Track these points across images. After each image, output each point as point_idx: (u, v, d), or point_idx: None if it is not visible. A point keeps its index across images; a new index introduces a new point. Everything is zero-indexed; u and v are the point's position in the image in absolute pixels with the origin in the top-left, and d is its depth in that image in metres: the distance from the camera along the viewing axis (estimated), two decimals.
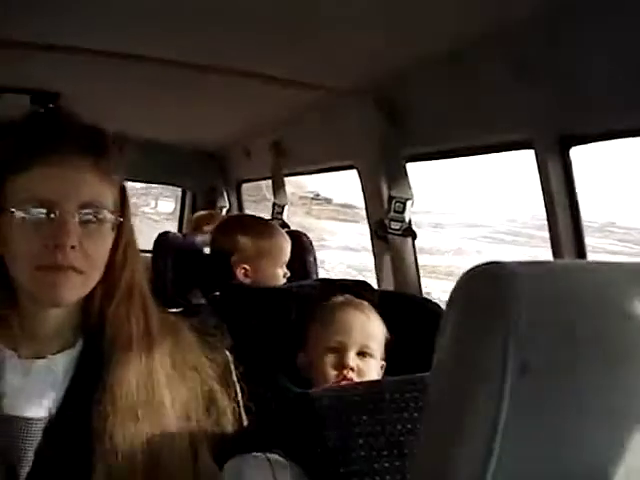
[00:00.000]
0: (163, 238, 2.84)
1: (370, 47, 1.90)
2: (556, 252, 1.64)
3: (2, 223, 1.12)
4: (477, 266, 0.68)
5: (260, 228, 2.52)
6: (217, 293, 2.45)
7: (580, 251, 1.64)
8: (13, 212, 1.09)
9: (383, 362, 1.70)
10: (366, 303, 1.73)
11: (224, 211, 4.18)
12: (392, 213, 2.15)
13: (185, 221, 4.52)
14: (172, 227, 4.58)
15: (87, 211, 1.12)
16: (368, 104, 2.15)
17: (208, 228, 3.48)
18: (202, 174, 4.27)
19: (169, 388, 1.20)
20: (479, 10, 1.56)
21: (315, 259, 2.81)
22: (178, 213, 4.69)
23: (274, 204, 3.33)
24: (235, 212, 4.21)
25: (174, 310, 2.20)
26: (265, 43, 2.01)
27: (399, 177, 2.16)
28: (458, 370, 0.67)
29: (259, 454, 1.10)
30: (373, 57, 1.97)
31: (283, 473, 1.07)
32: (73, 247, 1.09)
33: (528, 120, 1.63)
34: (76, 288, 1.13)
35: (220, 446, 1.25)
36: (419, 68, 1.88)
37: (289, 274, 2.44)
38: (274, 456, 1.09)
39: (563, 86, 1.54)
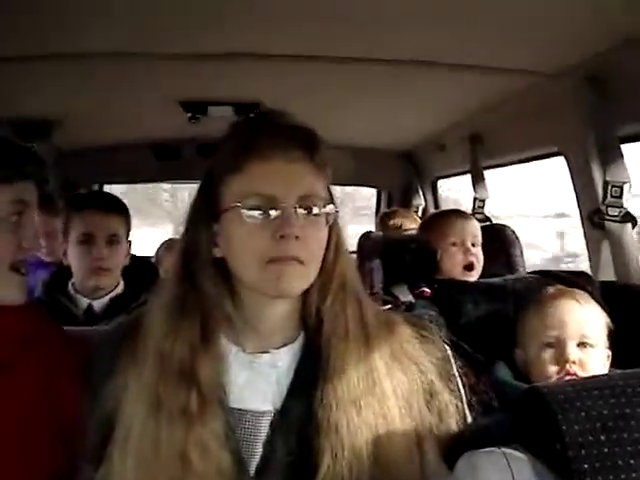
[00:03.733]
0: (366, 238, 2.87)
1: (577, 27, 1.80)
2: None
3: (226, 223, 1.17)
4: None
5: (443, 211, 2.73)
6: (423, 288, 2.45)
7: None
8: (238, 209, 1.14)
9: (608, 352, 1.61)
10: (579, 291, 1.65)
11: (420, 209, 4.15)
12: (609, 199, 2.03)
13: None
14: None
15: (305, 204, 1.15)
16: (577, 85, 2.04)
17: (394, 222, 3.51)
18: (396, 173, 4.27)
19: (389, 377, 1.20)
20: None
21: (522, 252, 2.72)
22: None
23: (475, 198, 3.28)
24: (431, 209, 4.17)
25: (384, 308, 2.23)
26: (464, 31, 1.96)
27: (614, 160, 2.03)
28: None
29: (494, 449, 1.06)
30: (580, 38, 1.87)
31: (522, 469, 1.02)
32: (297, 238, 1.13)
33: None
34: (300, 279, 1.16)
35: (446, 443, 1.23)
36: (631, 45, 1.75)
37: (476, 263, 2.48)
38: (510, 451, 1.05)
39: None
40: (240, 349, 1.20)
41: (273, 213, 1.14)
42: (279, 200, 1.14)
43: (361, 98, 2.96)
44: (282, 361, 1.21)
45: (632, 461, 1.02)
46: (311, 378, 1.18)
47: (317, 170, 1.19)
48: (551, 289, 1.66)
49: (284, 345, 1.22)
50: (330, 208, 1.19)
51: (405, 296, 2.42)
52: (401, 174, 4.25)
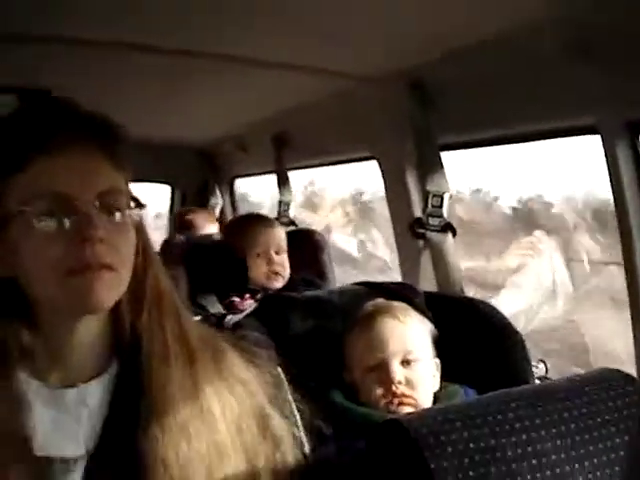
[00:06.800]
0: (168, 244, 2.68)
1: (403, 35, 1.75)
2: (626, 241, 1.53)
3: (11, 233, 0.96)
4: None
5: (246, 217, 2.64)
6: (234, 298, 2.33)
7: None
8: (26, 215, 0.94)
9: (437, 360, 1.57)
10: (399, 305, 1.59)
11: (217, 208, 4.01)
12: (430, 208, 2.01)
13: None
14: None
15: (107, 201, 0.97)
16: (398, 92, 1.99)
17: (189, 217, 3.37)
18: (192, 170, 4.08)
19: (217, 398, 1.06)
20: None
21: (330, 257, 2.68)
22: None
23: (280, 201, 3.19)
24: (228, 209, 4.05)
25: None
26: (273, 26, 1.84)
27: (435, 169, 2.01)
28: None
29: None
30: (406, 45, 1.82)
31: None
32: (101, 240, 0.95)
33: (592, 104, 1.51)
34: (111, 288, 0.98)
35: (283, 474, 1.12)
36: (463, 50, 1.73)
37: (281, 271, 2.43)
38: None
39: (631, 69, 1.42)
40: (42, 384, 1.00)
41: (69, 218, 0.95)
42: (75, 199, 0.95)
43: (156, 89, 2.75)
44: (92, 396, 1.02)
45: None
46: (130, 410, 1.01)
47: (117, 164, 1.01)
48: (369, 308, 1.59)
49: (95, 376, 1.03)
50: (134, 209, 1.02)
51: (214, 307, 2.27)
52: (197, 172, 4.07)
